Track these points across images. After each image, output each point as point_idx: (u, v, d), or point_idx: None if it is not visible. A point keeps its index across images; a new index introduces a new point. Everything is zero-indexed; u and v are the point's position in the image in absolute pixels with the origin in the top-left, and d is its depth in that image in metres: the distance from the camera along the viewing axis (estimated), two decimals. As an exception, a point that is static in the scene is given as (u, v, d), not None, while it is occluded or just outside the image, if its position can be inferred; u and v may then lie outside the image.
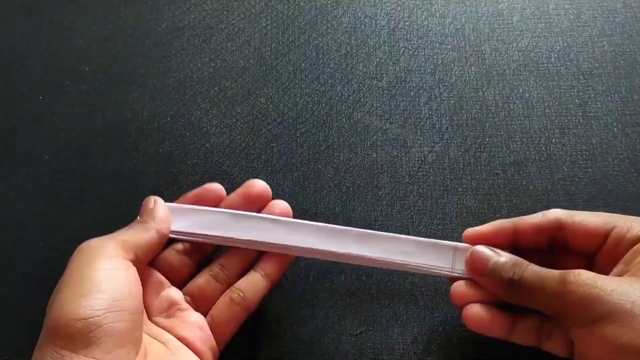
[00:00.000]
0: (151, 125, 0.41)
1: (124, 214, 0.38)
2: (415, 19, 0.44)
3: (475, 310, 0.30)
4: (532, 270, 0.28)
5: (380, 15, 0.45)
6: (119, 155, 0.41)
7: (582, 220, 0.30)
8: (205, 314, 0.32)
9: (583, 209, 0.37)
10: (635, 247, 0.28)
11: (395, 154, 0.40)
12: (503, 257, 0.29)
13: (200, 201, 0.33)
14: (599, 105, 0.41)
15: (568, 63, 0.42)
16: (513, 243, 0.31)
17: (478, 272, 0.30)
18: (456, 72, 0.42)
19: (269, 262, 0.32)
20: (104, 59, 0.44)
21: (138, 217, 0.32)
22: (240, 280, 0.32)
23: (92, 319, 0.25)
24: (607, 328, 0.25)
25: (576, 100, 0.41)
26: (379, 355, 0.34)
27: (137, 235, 0.30)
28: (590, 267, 0.29)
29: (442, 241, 0.32)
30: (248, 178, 0.39)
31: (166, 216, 0.32)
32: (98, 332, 0.25)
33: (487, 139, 0.40)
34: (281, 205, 0.33)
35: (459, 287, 0.31)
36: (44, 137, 0.41)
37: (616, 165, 0.39)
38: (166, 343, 0.29)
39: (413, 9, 0.45)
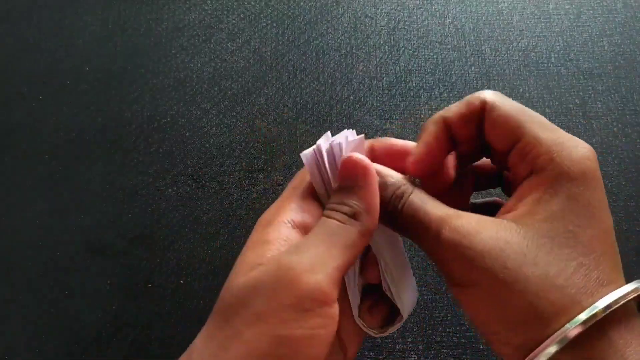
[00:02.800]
0: (151, 125, 0.41)
1: (124, 213, 0.39)
2: (415, 19, 0.44)
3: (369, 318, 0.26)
4: (412, 204, 0.23)
5: (380, 15, 0.45)
6: (119, 155, 0.41)
7: (500, 114, 0.24)
8: None
9: (583, 209, 0.37)
10: (531, 178, 0.23)
11: (395, 154, 0.40)
12: (389, 179, 0.24)
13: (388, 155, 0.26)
14: (599, 105, 0.41)
15: (568, 63, 0.42)
16: (450, 137, 0.26)
17: (356, 184, 0.24)
18: (456, 72, 0.42)
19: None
20: (104, 59, 0.44)
21: (335, 198, 0.24)
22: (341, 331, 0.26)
23: None
24: (484, 295, 0.21)
25: (576, 100, 0.41)
26: (379, 355, 0.34)
27: (345, 248, 0.22)
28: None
29: None
30: (248, 178, 0.39)
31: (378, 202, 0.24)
32: None
33: (487, 139, 0.40)
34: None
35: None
36: (44, 137, 0.41)
37: (616, 165, 0.39)
38: None
39: (413, 9, 0.45)
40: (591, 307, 0.20)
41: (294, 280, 0.21)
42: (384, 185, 0.24)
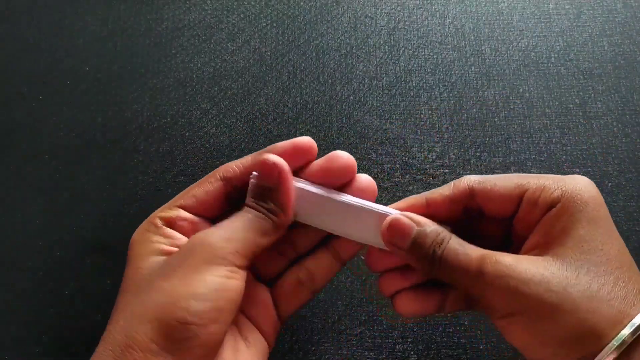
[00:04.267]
0: (151, 125, 0.41)
1: (124, 214, 0.39)
2: (415, 19, 0.44)
3: (405, 302, 0.28)
4: (452, 248, 0.26)
5: (380, 15, 0.45)
6: (119, 155, 0.41)
7: (494, 185, 0.27)
8: (266, 279, 0.30)
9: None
10: (550, 212, 0.25)
11: (395, 154, 0.40)
12: (428, 227, 0.26)
13: (288, 159, 0.27)
14: (599, 105, 0.41)
15: (568, 63, 0.42)
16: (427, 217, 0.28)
17: (397, 245, 0.27)
18: (456, 72, 0.42)
19: (342, 242, 0.29)
20: (104, 59, 0.44)
21: (254, 196, 0.27)
22: (310, 258, 0.30)
23: (193, 327, 0.23)
24: (529, 322, 0.24)
25: (576, 100, 0.41)
26: (379, 355, 0.34)
27: (259, 235, 0.26)
28: (508, 233, 0.28)
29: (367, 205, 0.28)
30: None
31: (293, 202, 0.27)
32: (193, 340, 0.24)
33: (487, 139, 0.40)
34: (366, 179, 0.29)
35: (385, 278, 0.29)
36: (44, 137, 0.41)
37: (616, 165, 0.39)
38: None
39: (413, 9, 0.45)
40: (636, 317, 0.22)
41: (210, 244, 0.25)
42: (423, 233, 0.26)
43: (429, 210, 0.28)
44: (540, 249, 0.25)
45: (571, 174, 0.38)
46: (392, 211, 0.27)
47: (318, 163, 0.28)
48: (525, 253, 0.26)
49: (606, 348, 0.22)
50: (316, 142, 0.40)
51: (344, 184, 0.28)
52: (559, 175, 0.26)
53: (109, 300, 0.37)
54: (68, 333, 0.36)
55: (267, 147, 0.28)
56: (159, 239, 0.27)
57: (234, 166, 0.28)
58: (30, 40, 0.45)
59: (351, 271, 0.37)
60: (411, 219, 0.27)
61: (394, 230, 0.27)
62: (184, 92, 0.42)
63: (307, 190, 0.28)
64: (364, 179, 0.29)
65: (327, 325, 0.35)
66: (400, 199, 0.38)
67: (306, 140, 0.28)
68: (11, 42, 0.45)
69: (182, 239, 0.27)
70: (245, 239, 0.26)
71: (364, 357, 0.34)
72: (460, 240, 0.26)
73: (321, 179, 0.28)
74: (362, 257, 0.37)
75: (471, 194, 0.27)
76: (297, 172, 0.29)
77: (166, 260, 0.26)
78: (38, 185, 0.40)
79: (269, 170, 0.26)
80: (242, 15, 0.45)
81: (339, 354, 0.35)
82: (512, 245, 0.28)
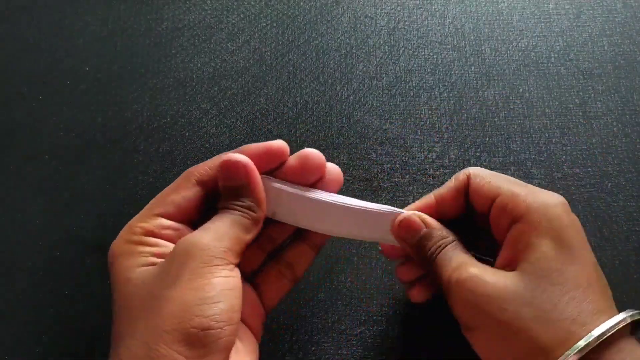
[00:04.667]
0: (151, 125, 0.41)
1: (124, 214, 0.38)
2: (415, 19, 0.44)
3: (417, 292, 0.31)
4: (445, 253, 0.28)
5: (380, 15, 0.45)
6: (119, 155, 0.41)
7: (483, 181, 0.28)
8: (248, 275, 0.31)
9: (583, 209, 0.37)
10: (517, 226, 0.26)
11: (395, 154, 0.40)
12: (435, 230, 0.28)
13: (262, 162, 0.29)
14: (599, 105, 0.41)
15: (568, 63, 0.42)
16: (438, 216, 0.30)
17: (405, 241, 0.29)
18: (456, 72, 0.42)
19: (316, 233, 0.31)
20: (104, 59, 0.44)
21: (227, 197, 0.28)
22: (287, 250, 0.32)
23: (213, 331, 0.24)
24: (487, 337, 0.25)
25: (576, 100, 0.41)
26: (379, 355, 0.34)
27: (242, 231, 0.27)
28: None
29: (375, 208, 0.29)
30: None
31: (264, 195, 0.28)
32: (215, 344, 0.24)
33: (487, 139, 0.40)
34: (334, 172, 0.30)
35: (401, 267, 0.31)
36: (44, 137, 0.41)
37: (616, 165, 0.39)
38: None
39: (413, 9, 0.45)
40: (587, 335, 0.23)
41: (204, 246, 0.25)
42: (429, 235, 0.28)
43: (439, 207, 0.29)
44: (510, 263, 0.26)
45: (571, 174, 0.38)
46: (361, 203, 0.29)
47: (291, 163, 0.29)
48: (499, 265, 0.27)
49: None
50: (316, 142, 0.41)
51: (316, 180, 0.30)
52: (536, 189, 0.27)
53: (109, 300, 0.37)
54: (68, 333, 0.36)
55: (238, 148, 0.29)
56: (144, 249, 0.27)
57: (207, 168, 0.28)
58: (30, 40, 0.45)
59: (351, 271, 0.37)
60: (422, 219, 0.28)
61: (404, 227, 0.28)
62: (184, 92, 0.42)
63: (283, 190, 0.29)
64: (333, 172, 0.30)
65: (327, 325, 0.35)
66: (400, 199, 0.38)
67: (279, 144, 0.29)
68: (11, 42, 0.45)
69: (167, 246, 0.27)
70: (232, 237, 0.27)
71: (364, 357, 0.34)
72: (460, 249, 0.28)
73: (295, 178, 0.29)
74: (361, 257, 0.37)
75: (467, 185, 0.29)
76: (273, 173, 0.30)
77: (162, 269, 0.26)
78: (38, 185, 0.40)
79: (234, 169, 0.27)
80: (242, 15, 0.45)
81: (339, 354, 0.35)
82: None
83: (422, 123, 0.41)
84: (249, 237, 0.27)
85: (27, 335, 0.36)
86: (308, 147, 0.40)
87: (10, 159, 0.41)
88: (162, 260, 0.27)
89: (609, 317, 0.24)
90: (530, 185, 0.27)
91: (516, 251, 0.26)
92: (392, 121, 0.41)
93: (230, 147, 0.40)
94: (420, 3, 0.45)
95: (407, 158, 0.40)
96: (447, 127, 0.40)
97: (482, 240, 0.30)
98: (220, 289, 0.25)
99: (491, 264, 0.27)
